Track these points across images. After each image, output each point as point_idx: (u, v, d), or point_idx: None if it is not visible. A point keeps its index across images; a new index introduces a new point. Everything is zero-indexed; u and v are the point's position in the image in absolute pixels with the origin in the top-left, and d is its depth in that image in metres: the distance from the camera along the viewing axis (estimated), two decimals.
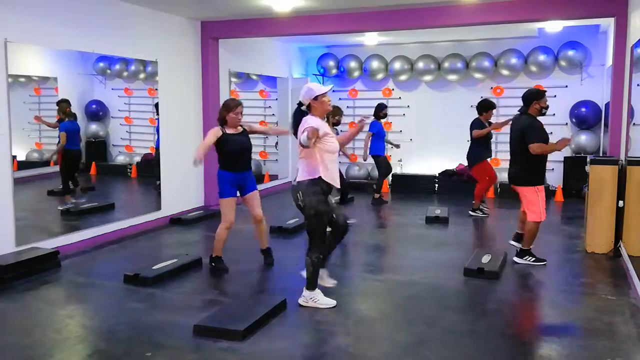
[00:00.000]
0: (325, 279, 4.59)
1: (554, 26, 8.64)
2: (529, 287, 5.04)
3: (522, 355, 3.58)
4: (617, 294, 4.64)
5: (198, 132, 8.17)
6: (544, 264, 5.44)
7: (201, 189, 8.35)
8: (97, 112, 8.00)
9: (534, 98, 5.38)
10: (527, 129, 5.27)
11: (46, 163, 7.35)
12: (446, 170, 9.92)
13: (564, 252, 6.05)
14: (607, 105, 7.88)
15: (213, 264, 5.34)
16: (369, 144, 8.67)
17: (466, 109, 10.14)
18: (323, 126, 4.24)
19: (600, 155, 8.43)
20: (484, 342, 3.77)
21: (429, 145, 10.51)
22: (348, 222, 4.62)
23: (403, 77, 10.52)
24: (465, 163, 9.81)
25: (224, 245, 5.37)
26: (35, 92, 7.08)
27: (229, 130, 5.21)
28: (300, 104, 4.31)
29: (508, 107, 9.90)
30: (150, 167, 7.93)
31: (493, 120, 8.24)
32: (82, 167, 7.70)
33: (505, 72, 9.80)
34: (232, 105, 5.18)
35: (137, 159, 8.45)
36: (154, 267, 5.12)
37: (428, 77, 10.34)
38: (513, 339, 3.82)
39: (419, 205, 8.57)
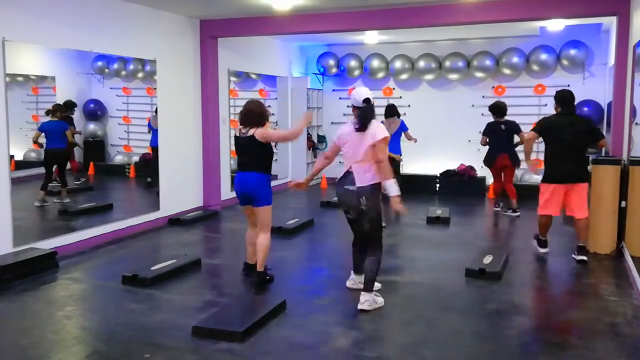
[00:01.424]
0: (358, 285, 4.59)
1: (555, 25, 8.61)
2: (530, 287, 5.00)
3: (523, 356, 3.55)
4: (619, 294, 4.61)
5: (197, 131, 8.14)
6: (545, 252, 5.81)
7: (200, 189, 8.32)
8: (95, 111, 7.97)
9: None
10: (595, 129, 5.78)
11: (44, 163, 7.32)
12: (447, 170, 9.88)
13: (566, 252, 6.01)
14: (609, 104, 7.84)
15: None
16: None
17: (467, 109, 10.12)
18: (343, 133, 4.37)
19: (603, 155, 8.38)
20: (485, 342, 3.74)
21: (430, 145, 10.46)
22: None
23: (404, 76, 10.49)
24: (467, 163, 9.82)
25: (248, 251, 5.23)
26: (33, 91, 7.06)
27: (239, 132, 5.05)
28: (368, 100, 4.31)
29: (509, 106, 9.85)
30: (148, 167, 7.91)
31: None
32: (81, 166, 7.69)
33: (507, 71, 9.77)
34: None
35: (136, 158, 8.42)
36: (152, 268, 5.09)
37: (429, 76, 10.31)
38: (514, 340, 3.79)
39: (420, 205, 8.53)
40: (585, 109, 9.21)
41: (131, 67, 7.84)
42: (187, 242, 6.55)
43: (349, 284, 4.78)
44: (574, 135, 5.47)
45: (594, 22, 8.81)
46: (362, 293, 4.29)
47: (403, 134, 7.86)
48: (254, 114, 4.81)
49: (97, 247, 6.17)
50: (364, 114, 4.27)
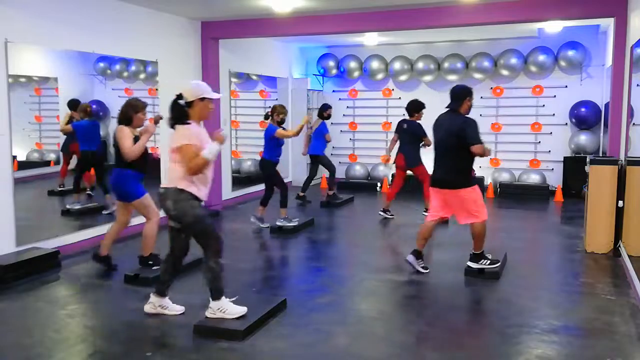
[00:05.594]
0: (171, 307, 4.22)
1: (553, 26, 8.65)
2: (528, 287, 5.03)
3: (522, 355, 3.58)
4: (616, 293, 4.65)
5: None
6: (497, 266, 5.08)
7: None
8: (97, 112, 7.99)
9: (468, 94, 5.05)
10: (468, 128, 4.86)
11: (47, 163, 7.35)
12: None
13: (564, 252, 6.06)
14: (606, 105, 7.89)
15: (151, 262, 5.14)
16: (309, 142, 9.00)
17: None
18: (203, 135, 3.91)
19: (600, 155, 8.44)
20: (484, 341, 3.78)
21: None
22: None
23: (403, 77, 10.53)
24: None
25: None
26: (36, 92, 7.09)
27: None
28: (179, 97, 3.88)
29: (508, 107, 9.95)
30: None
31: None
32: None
33: (505, 72, 9.80)
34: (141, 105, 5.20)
35: None
36: (154, 267, 5.12)
37: (428, 77, 10.35)
38: (513, 339, 3.82)
39: (419, 205, 8.56)
40: (583, 109, 9.26)
41: (133, 68, 7.88)
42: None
43: (146, 308, 4.22)
44: (444, 136, 5.09)
45: (591, 24, 8.85)
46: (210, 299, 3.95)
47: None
48: (120, 112, 5.15)
49: (99, 247, 6.19)
50: (170, 110, 3.92)
